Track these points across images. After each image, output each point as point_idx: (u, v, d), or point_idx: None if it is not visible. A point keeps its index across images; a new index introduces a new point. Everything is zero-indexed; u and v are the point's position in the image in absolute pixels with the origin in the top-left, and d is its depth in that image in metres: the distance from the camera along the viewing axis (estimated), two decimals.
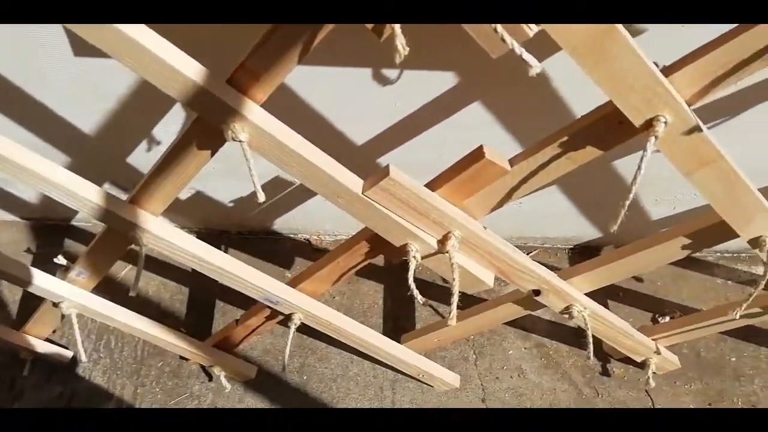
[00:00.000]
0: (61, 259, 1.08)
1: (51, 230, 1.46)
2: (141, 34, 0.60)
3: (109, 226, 0.88)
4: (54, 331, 1.29)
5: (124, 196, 0.85)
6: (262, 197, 0.72)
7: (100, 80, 1.02)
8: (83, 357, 1.09)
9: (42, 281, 0.98)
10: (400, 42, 0.52)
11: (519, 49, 0.50)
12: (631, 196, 0.69)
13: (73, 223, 1.47)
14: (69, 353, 1.28)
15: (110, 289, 1.33)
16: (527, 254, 1.47)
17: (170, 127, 1.12)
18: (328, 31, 0.61)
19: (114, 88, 1.04)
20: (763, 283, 0.86)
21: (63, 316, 1.10)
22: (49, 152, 1.21)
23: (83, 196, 0.79)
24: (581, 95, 0.96)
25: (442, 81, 0.97)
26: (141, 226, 0.84)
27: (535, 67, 0.49)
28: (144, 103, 1.07)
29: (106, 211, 0.82)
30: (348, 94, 1.00)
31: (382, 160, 1.15)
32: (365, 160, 1.14)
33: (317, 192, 0.76)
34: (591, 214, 1.34)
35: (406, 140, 1.10)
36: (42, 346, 1.24)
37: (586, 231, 1.40)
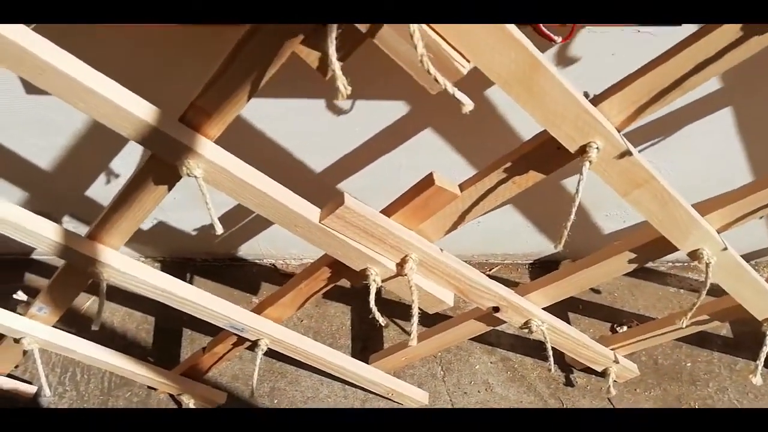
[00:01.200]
0: (21, 295, 1.07)
1: (10, 265, 1.44)
2: (90, 77, 0.61)
3: (68, 262, 0.89)
4: (16, 367, 1.27)
5: (84, 229, 0.86)
6: (219, 230, 0.74)
7: (56, 116, 1.03)
8: (47, 391, 1.08)
9: (2, 318, 0.98)
10: (342, 83, 0.55)
11: (451, 89, 0.53)
12: (572, 217, 0.73)
13: (33, 256, 1.45)
14: (33, 388, 1.26)
15: (74, 321, 1.32)
16: (489, 270, 1.52)
17: (128, 159, 1.13)
18: (275, 70, 0.64)
19: (70, 123, 1.05)
20: (705, 291, 0.90)
21: (25, 352, 1.09)
22: (3, 188, 1.20)
23: (39, 234, 0.80)
24: (527, 119, 1.02)
25: (395, 109, 1.01)
26: (101, 260, 0.85)
27: (467, 105, 0.52)
28: (101, 137, 1.08)
29: (64, 247, 0.83)
30: (304, 123, 1.03)
31: (342, 186, 1.18)
32: (326, 186, 1.17)
33: (274, 221, 0.78)
34: (548, 229, 1.38)
35: (363, 166, 1.13)
36: (4, 383, 1.22)
37: (544, 246, 1.44)
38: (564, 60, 0.90)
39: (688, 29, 0.63)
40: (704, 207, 0.85)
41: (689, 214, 0.80)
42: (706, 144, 1.10)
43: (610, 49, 0.89)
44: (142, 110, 0.65)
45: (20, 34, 0.56)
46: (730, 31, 0.60)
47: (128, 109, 0.64)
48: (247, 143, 1.05)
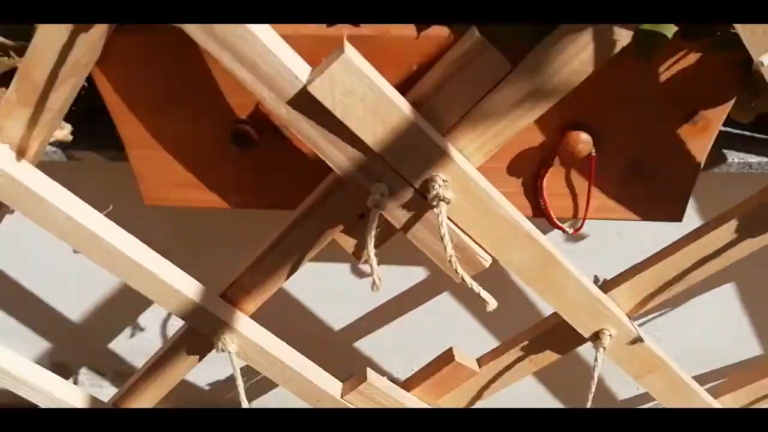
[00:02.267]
0: None
1: None
2: (144, 256, 0.68)
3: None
4: None
5: (101, 381, 0.86)
6: (245, 405, 0.76)
7: (96, 270, 1.08)
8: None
9: None
10: (377, 276, 0.61)
11: (477, 289, 0.59)
12: (590, 396, 0.75)
13: None
14: None
15: None
16: None
17: (156, 314, 1.17)
18: (314, 253, 0.70)
19: (108, 277, 1.10)
20: None
21: None
22: (28, 336, 1.23)
23: (64, 400, 0.81)
24: None
25: (414, 275, 1.07)
26: None
27: (491, 304, 0.58)
28: (133, 293, 1.13)
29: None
30: (327, 284, 1.08)
31: (358, 344, 1.20)
32: (342, 342, 1.19)
33: (297, 395, 0.80)
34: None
35: (381, 325, 1.16)
36: None
37: None
38: (571, 236, 0.97)
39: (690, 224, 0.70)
40: (718, 390, 0.87)
41: (703, 400, 0.82)
42: (709, 315, 1.14)
43: (616, 228, 0.96)
44: (187, 287, 0.70)
45: (94, 220, 0.64)
46: (724, 233, 0.66)
47: (177, 287, 0.69)
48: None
